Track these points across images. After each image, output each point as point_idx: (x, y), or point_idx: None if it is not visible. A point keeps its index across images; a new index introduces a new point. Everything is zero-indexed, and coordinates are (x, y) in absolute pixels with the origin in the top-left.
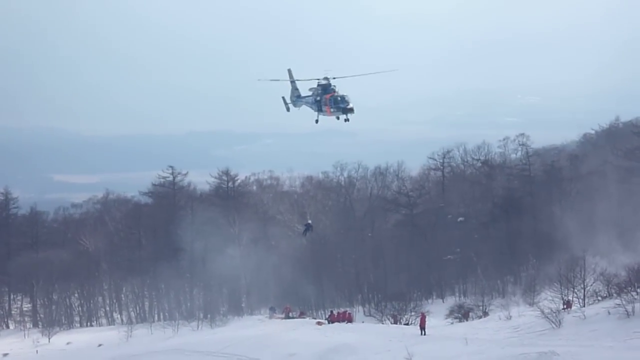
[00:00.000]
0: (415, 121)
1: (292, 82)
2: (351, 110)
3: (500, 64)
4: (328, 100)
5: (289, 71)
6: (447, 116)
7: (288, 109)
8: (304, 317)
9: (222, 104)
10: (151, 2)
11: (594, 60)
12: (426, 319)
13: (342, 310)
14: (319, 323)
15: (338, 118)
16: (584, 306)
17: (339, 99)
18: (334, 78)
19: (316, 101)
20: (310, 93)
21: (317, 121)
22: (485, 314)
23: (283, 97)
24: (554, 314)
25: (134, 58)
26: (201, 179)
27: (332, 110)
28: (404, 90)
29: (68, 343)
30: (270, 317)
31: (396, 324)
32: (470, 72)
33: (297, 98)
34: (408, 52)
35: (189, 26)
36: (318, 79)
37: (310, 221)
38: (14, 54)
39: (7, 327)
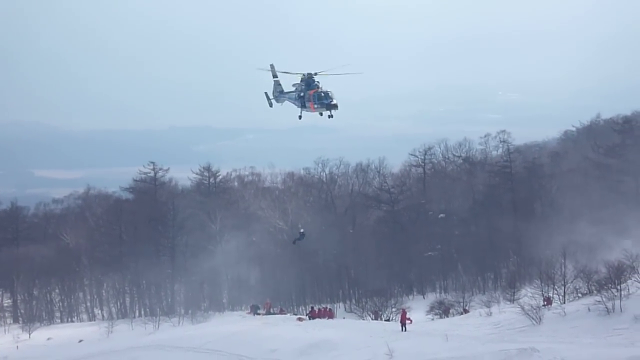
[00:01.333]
0: (397, 116)
1: (275, 77)
2: (335, 106)
3: (481, 61)
4: (312, 96)
5: (272, 66)
6: (429, 112)
7: (271, 105)
8: (284, 313)
9: (203, 98)
10: None
11: (575, 57)
12: (407, 315)
13: (323, 306)
14: (299, 319)
15: (321, 114)
16: (564, 303)
17: (323, 94)
18: (316, 74)
19: (299, 97)
20: (293, 89)
21: (300, 117)
22: (466, 310)
23: (266, 93)
24: (534, 311)
25: (116, 52)
26: (182, 175)
27: (315, 106)
28: (385, 85)
29: (49, 339)
30: (254, 314)
31: (377, 320)
32: (451, 68)
33: (279, 94)
34: (390, 46)
35: (171, 20)
36: (302, 74)
37: (302, 230)
38: None
39: None
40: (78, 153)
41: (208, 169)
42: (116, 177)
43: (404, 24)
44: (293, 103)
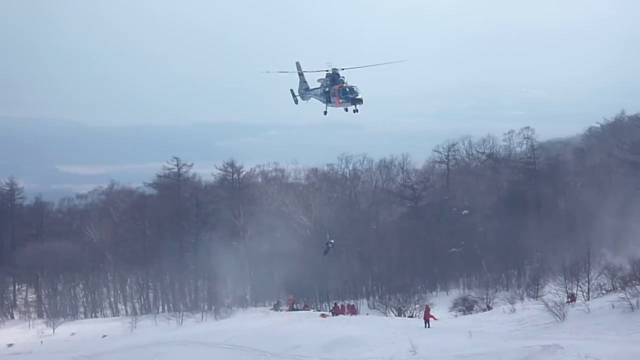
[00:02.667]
0: (421, 114)
1: (300, 74)
2: (360, 100)
3: (504, 59)
4: (337, 91)
5: (297, 64)
6: (452, 109)
7: (296, 102)
8: (308, 310)
9: (226, 95)
10: None
11: (599, 55)
12: (430, 312)
13: (346, 302)
14: (323, 315)
15: (347, 110)
16: (588, 299)
17: (348, 89)
18: (342, 69)
19: (325, 92)
20: (318, 85)
21: (325, 112)
22: (489, 307)
23: (291, 90)
24: (558, 307)
25: (140, 49)
26: (206, 171)
27: (341, 101)
28: (409, 82)
29: (72, 334)
30: (276, 310)
31: (400, 316)
32: (474, 66)
33: (305, 91)
34: (413, 45)
35: (194, 17)
36: (327, 70)
37: (332, 240)
38: (20, 44)
39: (12, 317)
40: (102, 149)
41: (231, 164)
42: (140, 172)
43: (427, 23)
44: (318, 99)
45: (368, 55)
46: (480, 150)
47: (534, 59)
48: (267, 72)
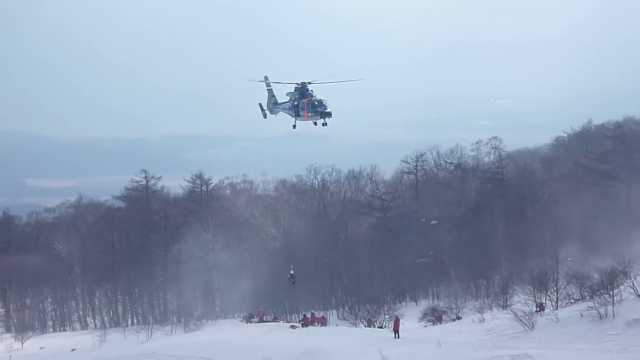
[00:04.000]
0: (389, 124)
1: (269, 89)
2: (329, 114)
3: (473, 69)
4: (305, 104)
5: (266, 78)
6: (421, 120)
7: (265, 116)
8: (277, 321)
9: (195, 107)
10: (125, 5)
11: (566, 66)
12: (400, 322)
13: (315, 313)
14: (292, 327)
15: (315, 123)
16: (557, 309)
17: (317, 103)
18: (310, 83)
19: (294, 106)
20: (287, 98)
21: (294, 126)
22: (459, 317)
23: (260, 104)
24: (527, 317)
25: (108, 61)
26: (174, 183)
27: (309, 114)
28: (377, 93)
29: (41, 348)
30: (247, 322)
31: (370, 327)
32: (443, 76)
33: (274, 105)
34: (381, 56)
35: (163, 30)
36: (295, 84)
37: (291, 272)
38: None
39: None
40: (70, 161)
41: (200, 176)
42: (108, 185)
43: (396, 34)
44: (287, 113)
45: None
46: (448, 161)
47: (502, 70)
48: (251, 80)
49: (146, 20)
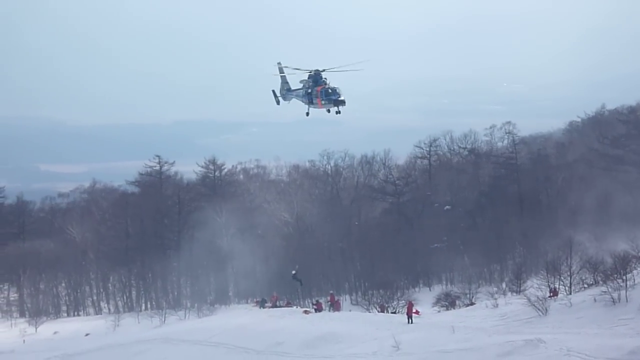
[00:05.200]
0: (402, 109)
1: (282, 75)
2: (342, 102)
3: (485, 53)
4: (319, 92)
5: (279, 64)
6: (434, 104)
7: (278, 102)
8: (290, 306)
9: (206, 92)
10: None
11: (580, 51)
12: (413, 307)
13: (332, 292)
14: (306, 312)
15: (329, 111)
16: (570, 294)
17: (330, 91)
18: (324, 70)
19: (307, 93)
20: (300, 86)
21: (307, 114)
22: (472, 302)
23: (273, 91)
24: (541, 302)
25: (120, 47)
26: (188, 168)
27: (323, 102)
28: (389, 77)
29: (55, 332)
30: (260, 307)
31: (383, 312)
32: (455, 60)
33: (287, 92)
34: (393, 39)
35: (174, 15)
36: (309, 71)
37: (293, 272)
38: None
39: None
40: (83, 147)
41: (213, 162)
42: (122, 171)
43: (406, 16)
44: (300, 100)
45: (349, 51)
46: (461, 146)
47: (515, 54)
48: (275, 75)
49: (155, 8)
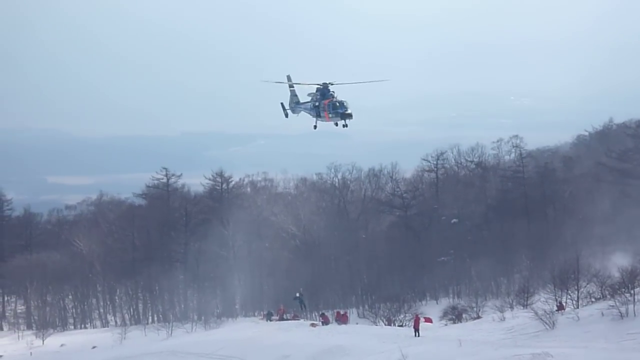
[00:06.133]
0: (409, 122)
1: (291, 88)
2: (350, 115)
3: (493, 67)
4: (326, 105)
5: (288, 77)
6: (441, 118)
7: (287, 115)
8: (297, 319)
9: (214, 104)
10: (144, 4)
11: (586, 63)
12: (420, 321)
13: (337, 311)
14: (312, 325)
15: (336, 124)
16: (578, 308)
17: (338, 104)
18: (332, 84)
19: (315, 106)
20: (308, 99)
21: (315, 127)
22: (479, 315)
23: (282, 104)
24: (548, 316)
25: (128, 59)
26: (195, 181)
27: (330, 115)
28: (397, 91)
29: (62, 345)
30: (267, 320)
31: (390, 325)
32: (463, 74)
33: (295, 104)
34: (402, 54)
35: (182, 27)
36: (317, 84)
37: (297, 294)
38: (6, 54)
39: (1, 329)
40: (91, 159)
41: (220, 174)
42: (129, 183)
43: (415, 32)
44: (308, 113)
45: (357, 65)
46: (469, 159)
47: (522, 68)
48: (265, 81)
49: (166, 19)
